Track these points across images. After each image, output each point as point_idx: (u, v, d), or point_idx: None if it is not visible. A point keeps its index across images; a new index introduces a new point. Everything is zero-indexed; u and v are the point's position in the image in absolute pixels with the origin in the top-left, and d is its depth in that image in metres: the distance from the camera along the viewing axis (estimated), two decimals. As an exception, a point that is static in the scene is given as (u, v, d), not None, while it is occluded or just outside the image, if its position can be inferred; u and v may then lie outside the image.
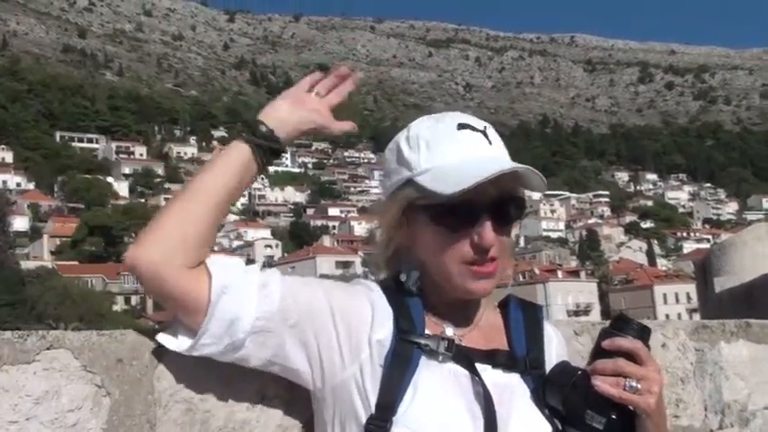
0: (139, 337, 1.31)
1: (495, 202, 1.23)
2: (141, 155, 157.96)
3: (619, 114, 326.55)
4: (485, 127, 1.29)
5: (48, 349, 1.21)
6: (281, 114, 1.30)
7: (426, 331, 1.24)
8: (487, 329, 1.32)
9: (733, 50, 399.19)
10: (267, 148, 1.27)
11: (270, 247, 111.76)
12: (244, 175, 1.26)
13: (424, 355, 1.21)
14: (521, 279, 79.26)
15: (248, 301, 1.20)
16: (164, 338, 1.25)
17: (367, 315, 1.24)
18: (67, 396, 1.22)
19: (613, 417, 1.17)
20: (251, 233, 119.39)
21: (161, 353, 1.31)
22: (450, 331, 1.27)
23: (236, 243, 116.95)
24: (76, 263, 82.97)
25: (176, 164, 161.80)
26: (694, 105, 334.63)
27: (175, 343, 1.24)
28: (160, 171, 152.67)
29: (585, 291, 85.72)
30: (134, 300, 79.79)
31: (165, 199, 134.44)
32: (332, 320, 1.22)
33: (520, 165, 1.22)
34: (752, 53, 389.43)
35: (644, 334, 1.21)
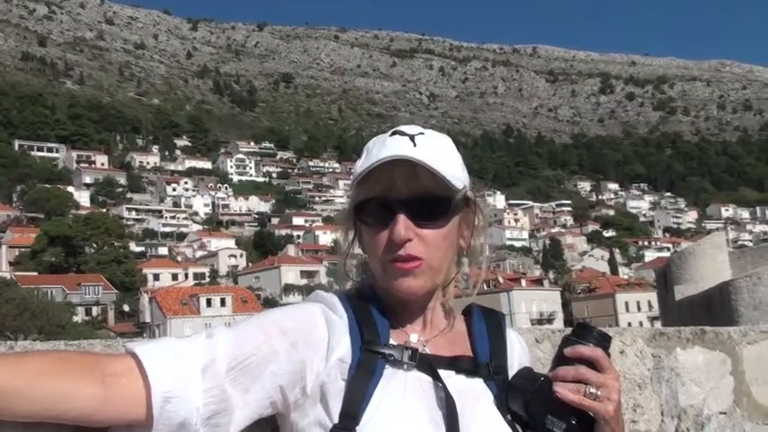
0: (106, 349, 1.29)
1: (409, 199, 1.25)
2: (103, 164, 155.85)
3: (581, 124, 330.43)
4: (418, 133, 1.29)
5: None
6: None
7: (391, 340, 1.26)
8: (452, 336, 1.33)
9: (691, 62, 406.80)
10: None
11: (234, 257, 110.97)
12: None
13: (388, 365, 1.22)
14: (485, 288, 79.67)
15: (193, 397, 1.15)
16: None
17: (323, 338, 1.23)
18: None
19: (573, 422, 1.20)
20: (215, 243, 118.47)
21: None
22: (414, 338, 1.29)
23: (199, 253, 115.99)
24: (36, 273, 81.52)
25: (139, 173, 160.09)
26: (654, 116, 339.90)
27: None
28: (122, 180, 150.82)
29: (549, 299, 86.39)
30: (95, 311, 78.70)
31: (127, 209, 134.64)
32: (288, 358, 1.21)
33: (413, 156, 1.23)
34: (709, 65, 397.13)
35: (604, 342, 1.24)
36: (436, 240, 1.27)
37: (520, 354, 1.39)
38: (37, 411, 1.10)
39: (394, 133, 1.30)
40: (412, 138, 1.27)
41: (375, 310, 1.28)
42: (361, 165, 1.29)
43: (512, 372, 1.31)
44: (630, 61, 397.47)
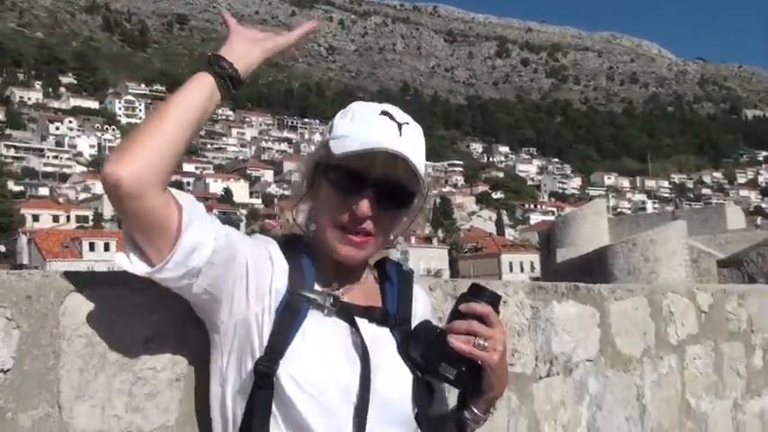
0: (45, 278, 1.38)
1: (382, 182, 1.38)
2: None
3: (476, 86, 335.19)
4: (405, 122, 1.42)
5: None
6: (239, 49, 1.37)
7: (316, 287, 1.39)
8: (366, 287, 1.49)
9: (585, 32, 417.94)
10: (228, 78, 1.33)
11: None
12: (209, 102, 1.30)
13: (311, 308, 1.36)
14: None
15: (208, 233, 1.27)
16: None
17: (268, 266, 1.37)
18: (-21, 327, 1.23)
19: (463, 369, 1.38)
20: (99, 186, 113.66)
21: (65, 292, 1.39)
22: (335, 286, 1.43)
23: (83, 195, 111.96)
24: None
25: (19, 109, 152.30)
26: (547, 83, 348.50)
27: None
28: (1, 116, 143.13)
29: (437, 257, 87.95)
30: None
31: (6, 146, 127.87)
32: (248, 263, 1.34)
33: (403, 153, 1.35)
34: (601, 36, 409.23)
35: (495, 301, 1.42)
36: (388, 225, 1.44)
37: (422, 306, 1.57)
38: (162, 147, 1.22)
39: (384, 113, 1.42)
40: (400, 126, 1.40)
41: (305, 258, 1.41)
42: (345, 128, 1.41)
43: (414, 322, 1.49)
44: (527, 27, 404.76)
